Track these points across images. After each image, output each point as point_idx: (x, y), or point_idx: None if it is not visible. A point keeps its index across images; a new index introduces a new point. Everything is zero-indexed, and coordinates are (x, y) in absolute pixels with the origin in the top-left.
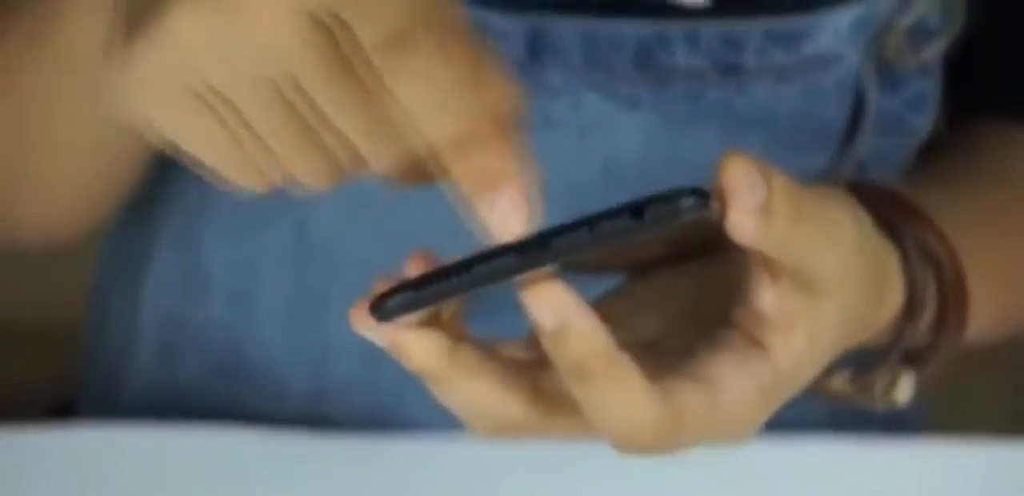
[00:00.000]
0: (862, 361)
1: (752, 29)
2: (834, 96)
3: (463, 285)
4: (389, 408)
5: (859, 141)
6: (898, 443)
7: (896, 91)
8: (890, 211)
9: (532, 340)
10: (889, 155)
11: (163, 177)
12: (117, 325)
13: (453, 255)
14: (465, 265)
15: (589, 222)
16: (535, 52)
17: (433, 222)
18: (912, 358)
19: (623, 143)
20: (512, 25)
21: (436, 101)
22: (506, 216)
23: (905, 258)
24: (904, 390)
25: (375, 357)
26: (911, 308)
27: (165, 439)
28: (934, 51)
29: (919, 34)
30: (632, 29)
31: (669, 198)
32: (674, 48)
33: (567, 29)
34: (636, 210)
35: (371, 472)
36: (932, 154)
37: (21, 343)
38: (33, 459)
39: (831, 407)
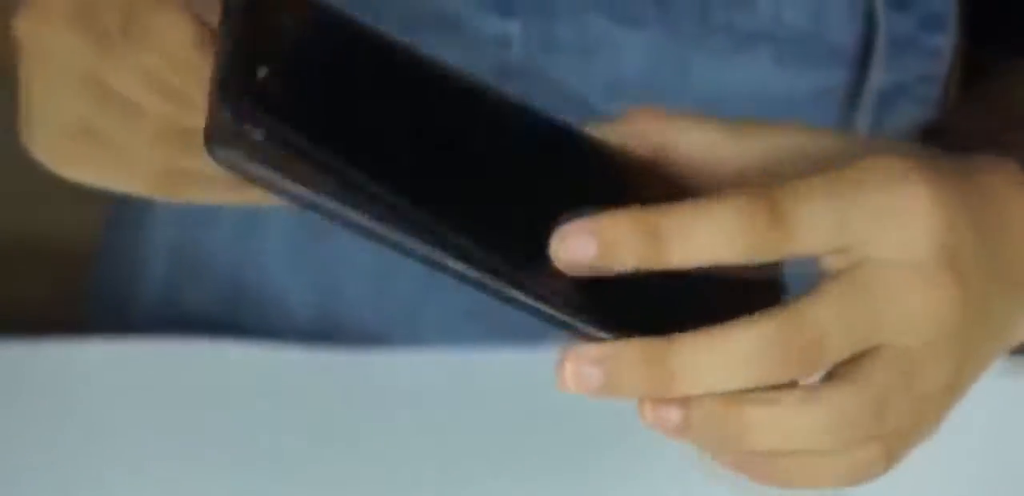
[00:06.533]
0: None
1: None
2: (841, 13)
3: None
4: (397, 329)
5: (875, 62)
6: None
7: (908, 10)
8: None
9: None
10: (916, 86)
11: None
12: (127, 249)
13: None
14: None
15: None
16: None
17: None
18: None
19: (628, 62)
20: None
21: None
22: None
23: None
24: None
25: (384, 278)
26: None
27: (173, 354)
28: None
29: None
30: None
31: None
32: None
33: None
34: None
35: (378, 386)
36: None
37: (31, 260)
38: (43, 373)
39: None
